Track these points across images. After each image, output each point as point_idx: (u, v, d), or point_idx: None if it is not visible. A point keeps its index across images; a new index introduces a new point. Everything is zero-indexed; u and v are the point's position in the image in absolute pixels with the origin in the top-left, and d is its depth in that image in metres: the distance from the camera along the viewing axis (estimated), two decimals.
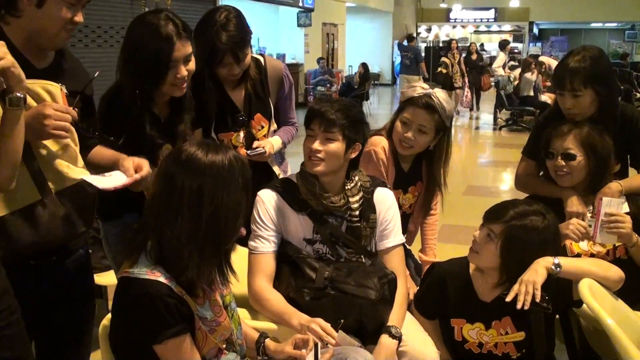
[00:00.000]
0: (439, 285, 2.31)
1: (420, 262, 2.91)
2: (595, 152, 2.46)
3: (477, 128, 13.65)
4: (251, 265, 2.24)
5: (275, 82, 2.86)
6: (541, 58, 14.62)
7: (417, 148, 2.63)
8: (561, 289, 2.13)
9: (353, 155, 2.28)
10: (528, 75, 12.27)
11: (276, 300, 2.17)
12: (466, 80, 14.08)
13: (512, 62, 16.34)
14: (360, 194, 2.30)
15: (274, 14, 17.09)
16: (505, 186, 8.39)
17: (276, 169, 2.90)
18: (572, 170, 2.48)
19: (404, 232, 2.65)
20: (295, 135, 2.94)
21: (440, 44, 25.04)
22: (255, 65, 2.81)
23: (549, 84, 13.25)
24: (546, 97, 12.87)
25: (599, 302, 1.97)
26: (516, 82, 12.61)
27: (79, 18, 1.92)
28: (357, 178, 2.31)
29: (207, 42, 2.54)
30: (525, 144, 2.85)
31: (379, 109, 16.91)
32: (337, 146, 2.19)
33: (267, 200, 2.26)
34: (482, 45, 24.23)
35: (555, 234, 2.16)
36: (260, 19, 16.33)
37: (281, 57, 16.01)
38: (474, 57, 14.66)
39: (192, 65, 2.29)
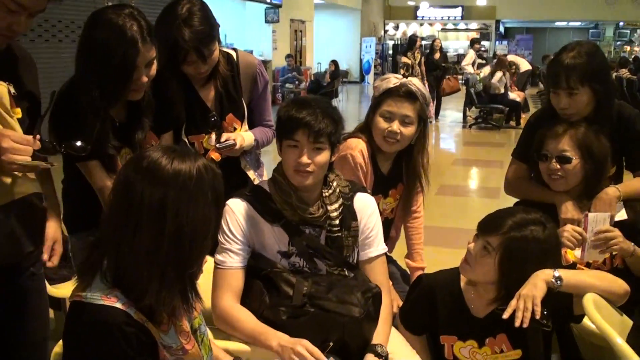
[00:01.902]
0: (427, 298, 2.13)
1: (407, 269, 2.73)
2: (592, 155, 2.30)
3: (446, 126, 13.55)
4: (217, 281, 2.02)
5: (248, 79, 2.61)
6: (510, 57, 14.58)
7: (403, 142, 2.46)
8: (561, 303, 1.96)
9: (333, 159, 2.09)
10: (500, 74, 12.23)
11: (247, 319, 1.95)
12: (426, 84, 12.92)
13: (479, 60, 16.20)
14: (340, 201, 2.10)
15: (240, 9, 16.81)
16: (477, 185, 8.29)
17: (251, 174, 2.67)
18: (567, 174, 2.32)
19: (385, 240, 2.46)
20: (271, 139, 2.69)
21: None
22: (226, 60, 2.57)
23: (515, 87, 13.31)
24: (515, 95, 12.91)
25: (605, 319, 1.81)
26: (489, 80, 12.47)
27: (18, 27, 1.69)
28: (335, 184, 2.11)
29: (168, 40, 2.28)
30: (515, 146, 2.67)
31: (347, 106, 16.79)
32: (325, 156, 1.99)
33: (237, 210, 2.04)
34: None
35: (557, 244, 1.99)
36: (227, 15, 16.06)
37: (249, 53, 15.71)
38: (437, 56, 13.03)
39: (153, 70, 2.08)
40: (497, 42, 27.47)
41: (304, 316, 1.93)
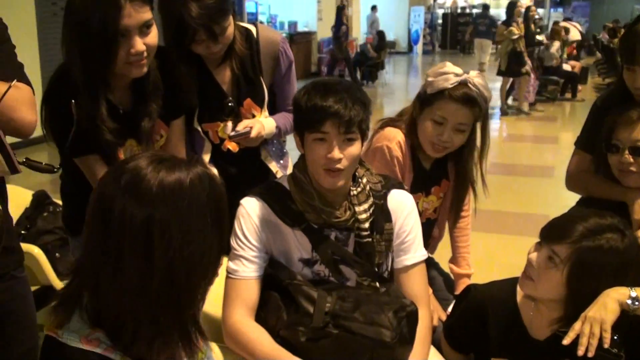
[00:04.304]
0: (476, 313, 1.83)
1: (451, 274, 2.43)
2: None
3: (496, 100, 12.99)
4: (228, 293, 1.76)
5: (269, 59, 2.30)
6: (562, 23, 13.89)
7: (452, 149, 2.15)
8: (636, 329, 1.63)
9: (364, 149, 1.79)
10: (557, 44, 11.64)
11: (261, 340, 1.69)
12: (528, 62, 10.53)
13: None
14: (370, 200, 1.80)
15: None
16: (529, 163, 7.83)
17: (273, 165, 2.39)
18: None
19: (426, 241, 2.15)
20: None
21: (459, 11, 24.22)
22: (245, 37, 2.26)
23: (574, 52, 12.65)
24: (568, 66, 12.29)
25: None
26: (546, 51, 11.85)
27: None
28: (364, 180, 1.81)
29: (173, 15, 2.00)
30: (579, 134, 2.32)
31: (394, 78, 16.36)
32: (358, 147, 1.71)
33: (252, 211, 1.77)
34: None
35: (639, 256, 1.66)
36: None
37: (293, 24, 15.60)
38: (533, 27, 11.02)
39: (152, 37, 1.77)
40: (551, 10, 26.40)
41: (326, 338, 1.66)
